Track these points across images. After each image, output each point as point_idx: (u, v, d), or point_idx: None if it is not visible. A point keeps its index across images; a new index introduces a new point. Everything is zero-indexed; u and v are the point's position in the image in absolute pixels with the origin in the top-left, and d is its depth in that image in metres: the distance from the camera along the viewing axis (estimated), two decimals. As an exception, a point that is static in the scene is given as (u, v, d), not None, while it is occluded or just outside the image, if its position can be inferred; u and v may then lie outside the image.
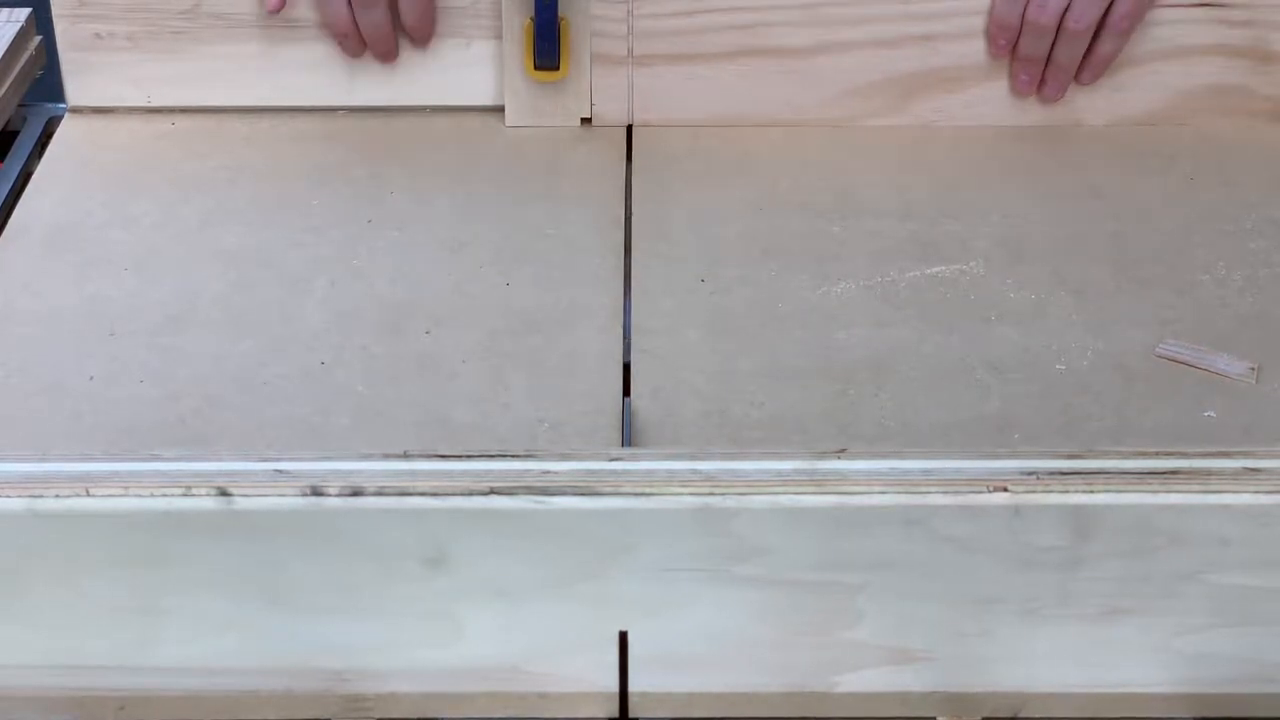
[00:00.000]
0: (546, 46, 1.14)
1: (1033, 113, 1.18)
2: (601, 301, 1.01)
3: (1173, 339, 0.97)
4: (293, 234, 1.08)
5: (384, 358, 0.96)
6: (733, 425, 0.91)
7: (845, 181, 1.13)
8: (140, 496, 0.72)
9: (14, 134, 1.21)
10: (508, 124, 1.19)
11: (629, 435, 0.91)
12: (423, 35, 1.17)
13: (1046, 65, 1.16)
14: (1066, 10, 1.13)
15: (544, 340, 0.98)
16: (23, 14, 1.24)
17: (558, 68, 1.15)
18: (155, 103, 1.19)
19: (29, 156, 1.18)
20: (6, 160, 1.18)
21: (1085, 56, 1.16)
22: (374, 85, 1.19)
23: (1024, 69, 1.16)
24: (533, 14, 1.14)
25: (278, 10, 1.15)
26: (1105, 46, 1.15)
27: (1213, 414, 0.92)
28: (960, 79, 1.17)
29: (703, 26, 1.16)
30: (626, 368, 0.96)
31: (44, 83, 1.24)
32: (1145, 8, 1.14)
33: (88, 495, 0.72)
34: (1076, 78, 1.17)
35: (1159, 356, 0.96)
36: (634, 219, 1.09)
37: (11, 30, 1.22)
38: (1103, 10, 1.13)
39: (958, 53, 1.16)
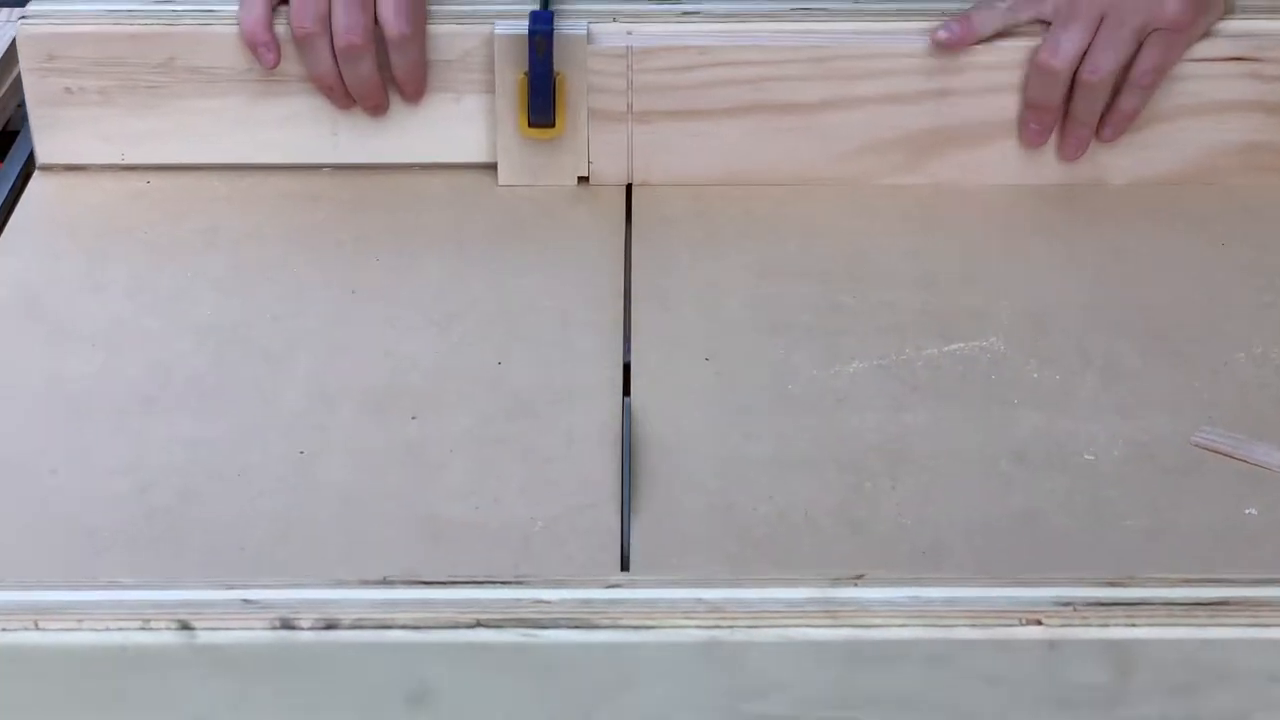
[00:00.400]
0: (541, 103, 1.08)
1: (1053, 171, 1.12)
2: (600, 382, 0.95)
3: (1209, 426, 0.91)
4: (273, 305, 1.02)
5: (367, 447, 0.90)
6: (739, 522, 0.85)
7: (857, 246, 1.07)
8: (95, 630, 0.66)
9: (14, 134, 1.19)
10: (500, 183, 1.12)
11: (629, 537, 0.85)
12: (414, 90, 1.11)
13: (1065, 120, 1.10)
14: (1083, 61, 1.07)
15: (538, 427, 0.92)
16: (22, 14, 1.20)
17: (553, 125, 1.09)
18: (129, 160, 1.13)
19: (28, 157, 1.14)
20: (6, 160, 1.16)
21: (1106, 111, 1.10)
22: (360, 142, 1.13)
23: (1033, 116, 1.10)
24: (526, 69, 1.08)
25: (275, 66, 1.09)
26: (1127, 102, 1.09)
27: (1254, 511, 0.86)
28: (978, 136, 1.11)
29: (706, 81, 1.10)
30: (626, 456, 0.90)
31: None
32: (1171, 62, 1.08)
33: (37, 629, 0.66)
34: (1097, 134, 1.11)
35: (1195, 445, 0.90)
36: (634, 289, 1.03)
37: (11, 30, 1.18)
38: (1121, 62, 1.07)
39: (975, 108, 1.10)
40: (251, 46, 1.09)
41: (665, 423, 0.92)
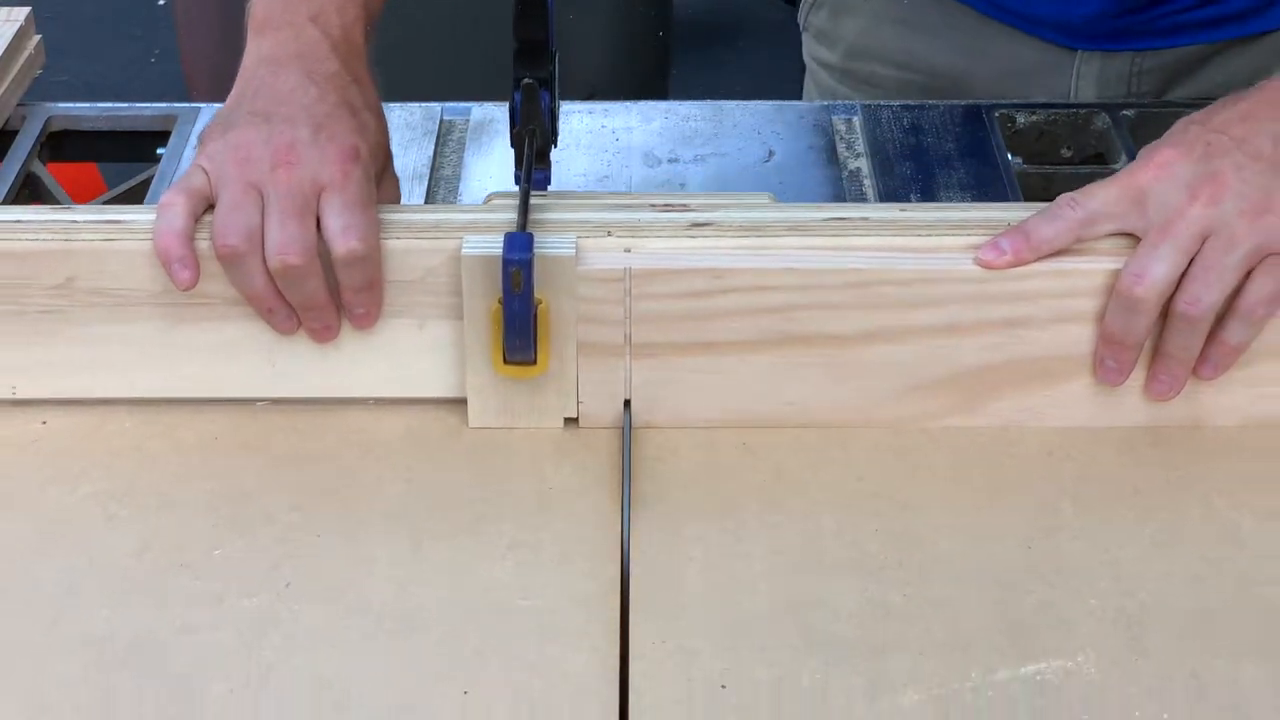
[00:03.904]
0: (520, 342, 0.88)
1: (1139, 412, 0.93)
2: (589, 724, 0.76)
3: (1368, 801, 0.71)
4: (184, 609, 0.82)
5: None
6: None
7: (905, 520, 0.87)
8: None
9: (13, 133, 1.17)
10: (471, 425, 0.93)
11: None
12: (366, 315, 0.91)
13: (1155, 354, 0.91)
14: (1178, 288, 0.87)
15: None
16: (21, 13, 1.20)
17: (534, 362, 0.90)
18: (21, 394, 0.94)
19: (28, 156, 1.12)
20: (5, 160, 1.13)
21: (1207, 343, 0.90)
22: (302, 373, 0.93)
23: (1109, 352, 0.90)
24: (500, 296, 0.88)
25: (191, 286, 0.90)
26: (1235, 335, 0.89)
27: None
28: (1053, 372, 0.92)
29: (721, 309, 0.90)
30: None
31: (43, 82, 1.21)
32: (1291, 289, 0.89)
33: None
34: (1195, 370, 0.91)
35: (1351, 831, 0.71)
36: (632, 582, 0.83)
37: (10, 30, 1.18)
38: (1227, 292, 0.88)
39: (1044, 340, 0.91)
40: (165, 263, 0.90)
41: (673, 786, 0.73)
